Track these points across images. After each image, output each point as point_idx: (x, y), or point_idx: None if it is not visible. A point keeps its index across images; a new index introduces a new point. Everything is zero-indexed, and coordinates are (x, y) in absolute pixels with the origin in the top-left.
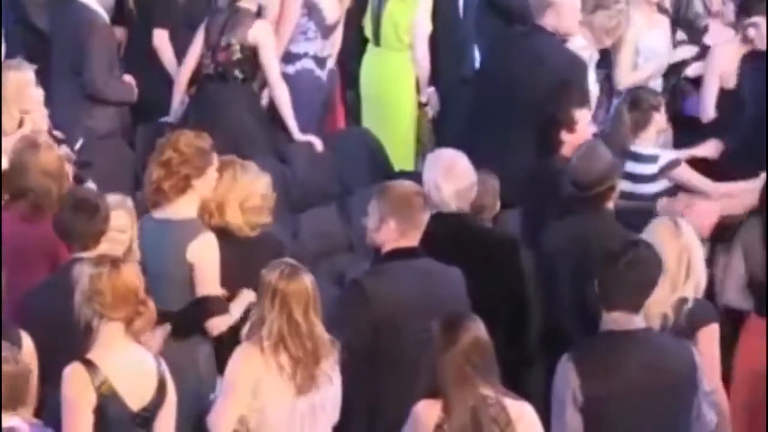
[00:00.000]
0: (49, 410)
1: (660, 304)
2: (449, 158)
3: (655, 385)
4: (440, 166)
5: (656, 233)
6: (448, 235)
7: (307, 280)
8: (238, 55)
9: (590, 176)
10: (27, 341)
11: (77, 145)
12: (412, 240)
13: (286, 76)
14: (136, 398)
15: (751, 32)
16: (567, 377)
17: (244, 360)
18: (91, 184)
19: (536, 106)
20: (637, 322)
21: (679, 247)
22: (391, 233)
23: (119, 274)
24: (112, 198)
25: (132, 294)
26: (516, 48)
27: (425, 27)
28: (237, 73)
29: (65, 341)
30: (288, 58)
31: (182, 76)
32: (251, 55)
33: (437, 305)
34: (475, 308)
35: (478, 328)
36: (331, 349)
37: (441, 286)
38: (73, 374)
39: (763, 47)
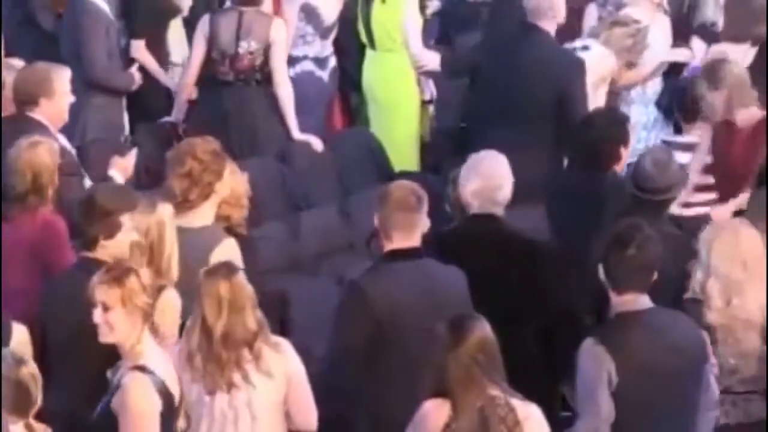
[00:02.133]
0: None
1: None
2: (478, 158)
3: (676, 361)
4: (467, 165)
5: (727, 233)
6: (474, 236)
7: (223, 280)
8: (260, 59)
9: (664, 183)
10: (19, 335)
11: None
12: (413, 240)
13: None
14: (176, 393)
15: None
16: (599, 360)
17: (174, 357)
18: (87, 182)
19: (540, 107)
20: (646, 301)
21: (755, 248)
22: (392, 235)
23: (144, 277)
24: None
25: (153, 292)
26: (515, 49)
27: (415, 24)
28: (258, 76)
29: (77, 341)
30: (288, 61)
31: (188, 78)
32: (269, 56)
33: (437, 305)
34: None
35: (484, 329)
36: (266, 351)
37: (441, 286)
38: (137, 383)
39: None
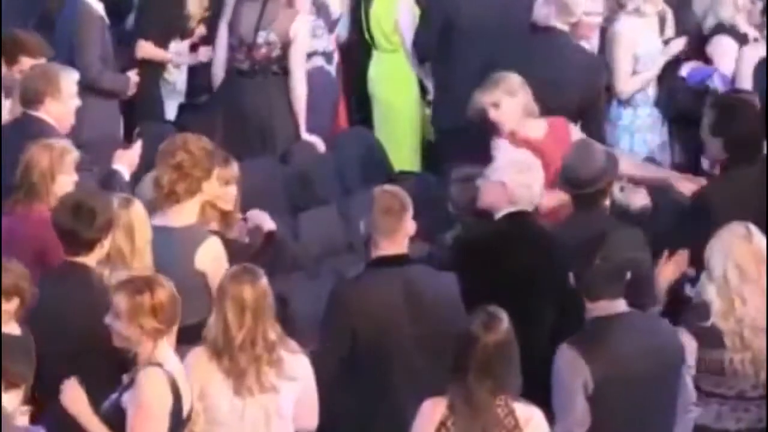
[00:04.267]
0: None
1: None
2: (526, 157)
3: (654, 363)
4: (521, 165)
5: (725, 238)
6: (514, 235)
7: (248, 285)
8: (278, 52)
9: (588, 174)
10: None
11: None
12: (399, 246)
13: None
14: (187, 405)
15: None
16: (574, 366)
17: (191, 363)
18: (91, 183)
19: (564, 108)
20: (621, 305)
21: (752, 253)
22: (378, 241)
23: (166, 293)
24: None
25: (177, 307)
26: (532, 49)
27: (411, 25)
28: (275, 68)
29: (59, 348)
30: None
31: (217, 68)
32: (288, 50)
33: (421, 312)
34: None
35: (505, 331)
36: (285, 354)
37: (427, 292)
38: (152, 377)
39: None
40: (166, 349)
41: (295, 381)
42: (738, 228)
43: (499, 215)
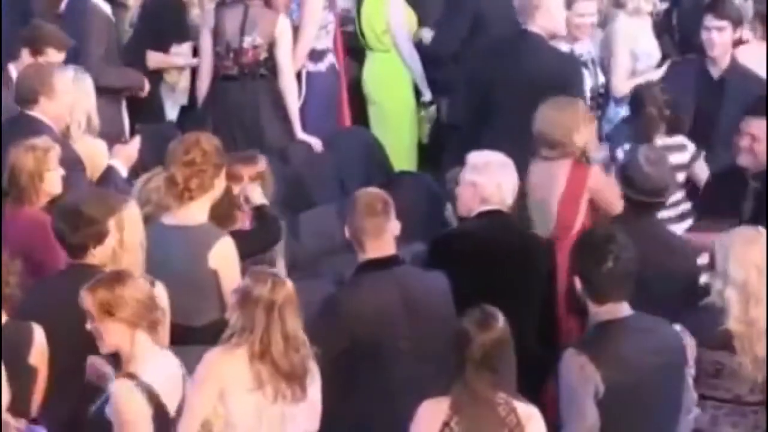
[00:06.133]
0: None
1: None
2: (500, 158)
3: (661, 365)
4: (495, 165)
5: (739, 242)
6: (498, 232)
7: (292, 289)
8: (264, 55)
9: (663, 183)
10: (39, 335)
11: None
12: (387, 247)
13: (317, 75)
14: (172, 402)
15: None
16: (584, 371)
17: (215, 364)
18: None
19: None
20: (626, 308)
21: (764, 255)
22: (365, 244)
23: (136, 283)
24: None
25: (152, 300)
26: (510, 51)
27: (402, 26)
28: (262, 71)
29: (63, 348)
30: (314, 55)
31: (203, 72)
32: (274, 51)
33: (418, 313)
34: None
35: (501, 329)
36: (311, 361)
37: (420, 293)
38: (124, 390)
39: None
40: (142, 348)
41: (316, 383)
42: (749, 232)
43: (471, 215)
